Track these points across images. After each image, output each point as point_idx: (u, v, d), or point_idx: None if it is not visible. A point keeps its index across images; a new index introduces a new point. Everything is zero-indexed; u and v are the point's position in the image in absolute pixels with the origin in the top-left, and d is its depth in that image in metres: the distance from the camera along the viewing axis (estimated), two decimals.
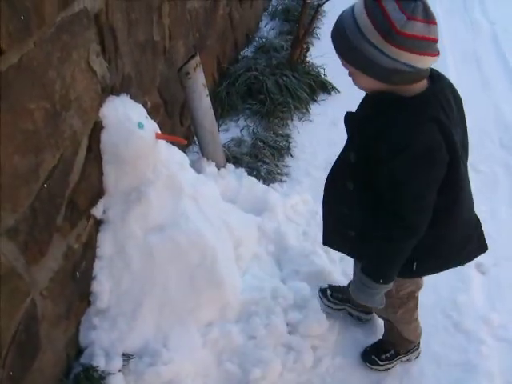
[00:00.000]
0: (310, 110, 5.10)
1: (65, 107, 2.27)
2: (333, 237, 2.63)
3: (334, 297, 3.16)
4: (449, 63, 5.88)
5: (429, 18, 1.84)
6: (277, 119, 4.81)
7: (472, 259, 2.57)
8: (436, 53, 1.92)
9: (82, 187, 2.54)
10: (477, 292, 3.34)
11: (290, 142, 4.63)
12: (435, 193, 2.07)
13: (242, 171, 4.06)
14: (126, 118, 2.68)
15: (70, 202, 2.46)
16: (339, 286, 3.21)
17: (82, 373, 2.67)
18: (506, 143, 4.78)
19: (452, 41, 6.41)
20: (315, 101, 5.26)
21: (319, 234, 3.51)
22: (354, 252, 2.60)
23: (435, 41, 1.88)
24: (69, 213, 2.46)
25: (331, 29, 2.00)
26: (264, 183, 4.06)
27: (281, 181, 4.23)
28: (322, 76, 5.44)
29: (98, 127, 2.61)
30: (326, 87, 5.40)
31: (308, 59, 5.53)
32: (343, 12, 1.97)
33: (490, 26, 7.07)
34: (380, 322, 3.07)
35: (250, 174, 4.08)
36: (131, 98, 2.86)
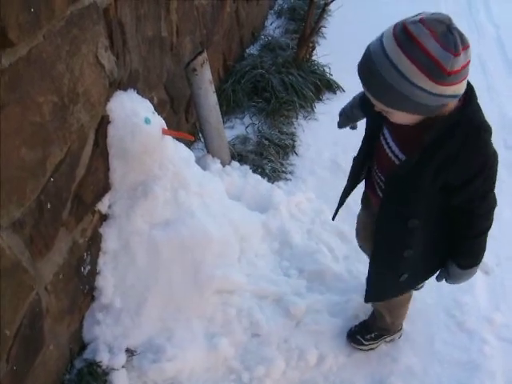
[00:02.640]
0: (315, 109, 5.10)
1: (73, 101, 2.26)
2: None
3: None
4: None
5: (465, 44, 1.75)
6: (282, 117, 4.81)
7: None
8: (468, 73, 1.84)
9: (88, 181, 2.53)
10: (480, 292, 3.34)
11: (294, 141, 4.63)
12: None
13: (246, 169, 4.06)
14: (133, 113, 2.68)
15: (75, 197, 2.46)
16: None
17: (86, 368, 2.67)
18: (510, 144, 4.79)
19: None
20: (320, 100, 5.26)
21: (323, 232, 3.53)
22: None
23: (469, 62, 1.81)
24: (74, 207, 2.46)
25: (358, 64, 1.88)
26: (269, 181, 4.05)
27: (285, 179, 4.22)
28: (328, 75, 5.44)
29: (105, 121, 2.61)
30: (331, 86, 5.39)
31: (314, 58, 5.53)
32: (371, 47, 1.83)
33: (494, 30, 7.08)
34: None
35: (254, 171, 4.08)
36: (138, 93, 2.87)
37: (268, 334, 2.99)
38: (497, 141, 4.87)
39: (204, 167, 3.66)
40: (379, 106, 1.92)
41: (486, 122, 2.00)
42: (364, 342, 2.97)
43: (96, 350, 2.73)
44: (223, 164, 3.96)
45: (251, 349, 2.93)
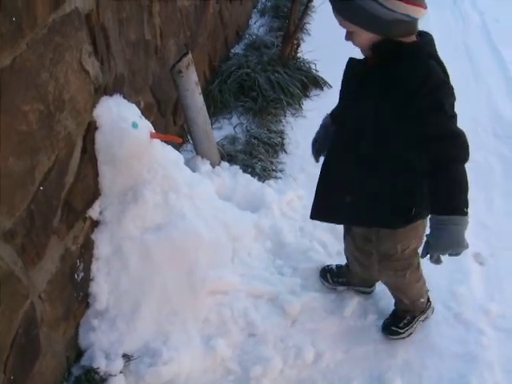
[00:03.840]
0: (303, 106, 5.10)
1: (58, 108, 2.26)
2: (326, 207, 2.69)
3: (335, 281, 3.24)
4: (440, 55, 5.90)
5: None
6: (270, 116, 4.81)
7: None
8: (425, 6, 2.12)
9: (77, 188, 2.53)
10: (475, 282, 3.34)
11: (283, 139, 4.63)
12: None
13: (236, 169, 4.05)
14: (120, 118, 2.67)
15: (65, 204, 2.45)
16: (337, 269, 3.27)
17: (83, 375, 2.66)
18: (499, 133, 4.81)
19: (442, 33, 6.41)
20: (308, 96, 5.26)
21: (316, 229, 3.53)
22: (353, 218, 2.65)
23: None
24: (65, 215, 2.45)
25: None
26: (259, 180, 4.05)
27: (276, 177, 4.22)
28: (314, 71, 5.45)
29: (92, 128, 2.60)
30: (318, 83, 5.40)
31: (299, 55, 5.54)
32: None
33: (479, 17, 7.11)
34: (381, 311, 3.14)
35: (244, 171, 4.07)
36: (124, 97, 2.85)
37: (264, 334, 2.98)
38: (486, 129, 4.94)
39: (193, 169, 3.65)
40: (343, 25, 2.20)
41: (438, 58, 2.27)
42: (400, 330, 3.01)
43: (93, 356, 2.72)
44: (213, 165, 3.96)
45: (248, 349, 2.92)
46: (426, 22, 7.00)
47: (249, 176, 4.00)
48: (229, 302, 3.09)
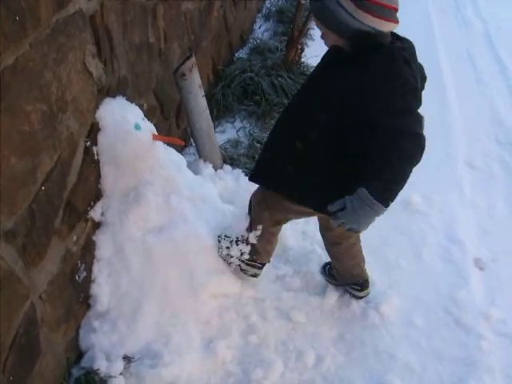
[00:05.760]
0: None
1: (61, 109, 2.26)
2: (267, 170, 2.77)
3: (331, 273, 3.34)
4: (443, 62, 5.93)
5: None
6: (273, 120, 4.79)
7: None
8: (396, 20, 2.25)
9: (79, 189, 2.53)
10: (476, 288, 3.34)
11: None
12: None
13: (239, 172, 4.05)
14: (123, 120, 2.67)
15: (67, 205, 2.45)
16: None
17: (83, 376, 2.66)
18: (501, 139, 4.82)
19: (445, 40, 6.45)
20: None
21: (317, 233, 3.53)
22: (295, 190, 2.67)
23: (396, 9, 2.23)
24: (67, 215, 2.46)
25: None
26: None
27: None
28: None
29: (94, 129, 2.60)
30: None
31: (303, 60, 5.53)
32: None
33: (482, 25, 7.13)
34: (382, 314, 3.15)
35: (247, 174, 4.07)
36: (127, 99, 2.85)
37: (265, 337, 2.99)
38: (488, 136, 4.94)
39: (196, 172, 3.66)
40: (317, 25, 2.37)
41: (413, 65, 2.32)
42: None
43: (93, 357, 2.71)
44: (215, 168, 3.96)
45: (249, 352, 2.93)
46: (430, 27, 7.01)
47: None
48: (230, 304, 3.10)
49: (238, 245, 3.05)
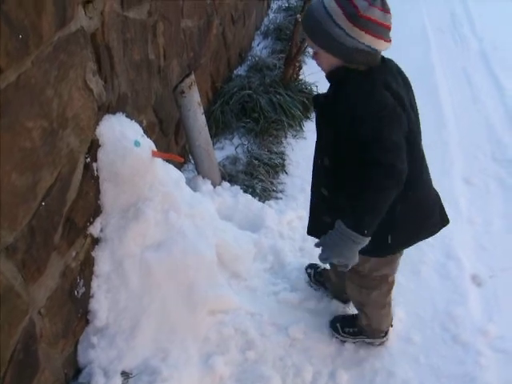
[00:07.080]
0: (304, 127, 5.14)
1: (62, 125, 2.27)
2: (314, 224, 2.79)
3: (316, 279, 3.39)
4: (439, 79, 5.97)
5: (385, 8, 2.17)
6: (271, 137, 4.84)
7: (437, 232, 2.71)
8: (390, 40, 2.24)
9: (79, 205, 2.54)
10: (473, 304, 3.35)
11: (284, 160, 4.66)
12: (402, 138, 2.21)
13: (237, 189, 4.07)
14: (123, 136, 2.69)
15: (67, 221, 2.46)
16: (322, 270, 3.41)
17: None
18: (497, 157, 4.84)
19: (442, 57, 6.50)
20: (308, 118, 5.29)
21: (315, 249, 3.55)
22: None
23: (389, 28, 2.21)
24: (66, 231, 2.46)
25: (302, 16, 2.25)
26: (260, 200, 4.07)
27: (276, 198, 4.25)
28: (315, 93, 5.47)
29: (94, 145, 2.62)
30: None
31: (301, 77, 5.58)
32: (313, 2, 2.28)
33: (478, 43, 7.17)
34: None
35: (245, 191, 4.09)
36: (127, 116, 2.88)
37: (263, 353, 2.99)
38: (485, 153, 4.97)
39: (195, 188, 3.67)
40: (309, 44, 2.34)
41: (395, 87, 2.28)
42: (341, 331, 3.10)
43: (91, 373, 2.70)
44: (214, 185, 3.98)
45: (247, 368, 2.93)
46: (427, 45, 7.06)
47: (249, 196, 4.02)
48: (228, 320, 3.09)
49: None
